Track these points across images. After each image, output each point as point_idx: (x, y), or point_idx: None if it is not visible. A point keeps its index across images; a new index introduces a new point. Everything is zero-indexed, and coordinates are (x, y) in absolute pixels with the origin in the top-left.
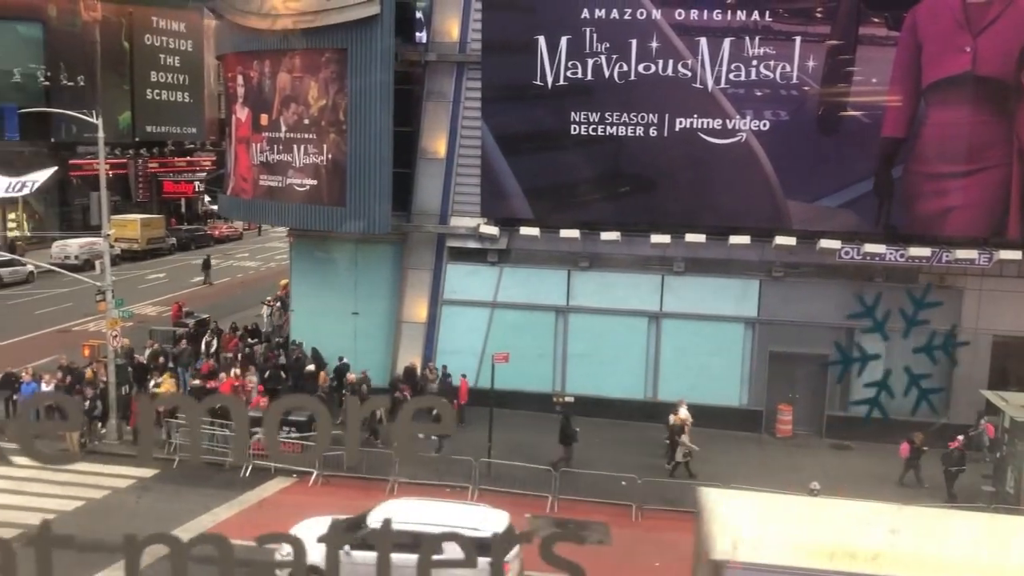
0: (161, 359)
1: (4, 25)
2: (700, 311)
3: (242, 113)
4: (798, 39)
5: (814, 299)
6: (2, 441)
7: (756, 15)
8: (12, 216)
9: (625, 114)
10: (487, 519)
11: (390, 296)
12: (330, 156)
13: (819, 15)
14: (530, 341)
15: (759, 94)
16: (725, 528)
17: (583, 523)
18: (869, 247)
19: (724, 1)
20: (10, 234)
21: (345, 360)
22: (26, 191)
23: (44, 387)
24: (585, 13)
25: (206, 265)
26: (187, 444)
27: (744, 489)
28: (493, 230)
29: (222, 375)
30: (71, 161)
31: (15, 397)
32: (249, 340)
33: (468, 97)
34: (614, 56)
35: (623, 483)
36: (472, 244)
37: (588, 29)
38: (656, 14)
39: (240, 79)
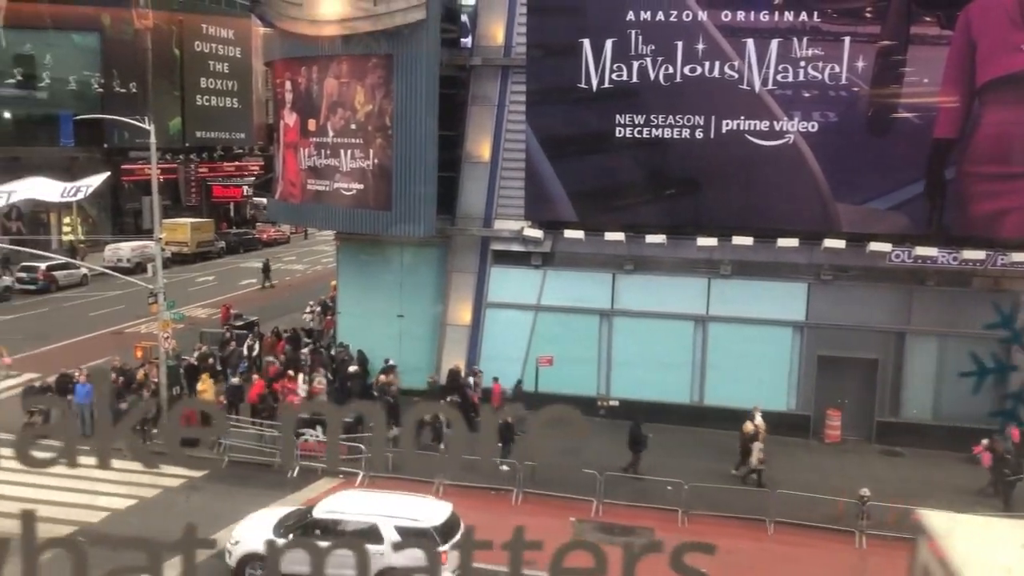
0: (210, 360)
1: (61, 35)
2: (747, 315)
3: (290, 118)
4: (847, 39)
5: (863, 302)
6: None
7: (804, 16)
8: (67, 220)
9: (671, 116)
10: (428, 509)
11: (435, 299)
12: (376, 160)
13: (868, 15)
14: (574, 344)
15: (807, 95)
16: (968, 561)
17: (628, 528)
18: (920, 250)
19: (771, 2)
20: (65, 238)
21: (391, 362)
22: (80, 196)
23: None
24: (630, 15)
25: (266, 268)
26: (236, 445)
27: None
28: (537, 233)
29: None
30: (123, 166)
31: (70, 398)
32: (304, 340)
33: (513, 101)
34: (660, 58)
35: (668, 488)
36: (516, 247)
37: (633, 31)
38: (702, 16)
39: (288, 85)
